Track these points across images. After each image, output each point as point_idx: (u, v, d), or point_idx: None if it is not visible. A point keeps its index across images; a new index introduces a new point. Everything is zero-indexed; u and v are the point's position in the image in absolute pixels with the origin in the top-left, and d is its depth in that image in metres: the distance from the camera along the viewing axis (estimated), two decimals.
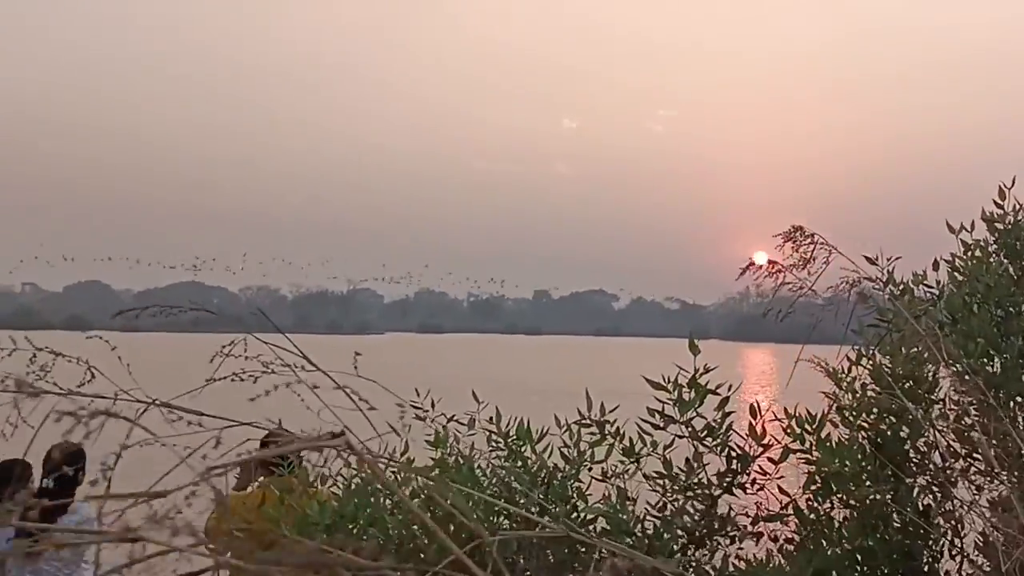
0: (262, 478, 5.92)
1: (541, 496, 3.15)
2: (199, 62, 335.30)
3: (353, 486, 3.31)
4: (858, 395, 3.42)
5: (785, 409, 3.31)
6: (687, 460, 3.29)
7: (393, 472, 2.66)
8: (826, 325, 3.58)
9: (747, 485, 3.25)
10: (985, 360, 3.55)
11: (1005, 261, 3.79)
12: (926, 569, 3.37)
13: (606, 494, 3.34)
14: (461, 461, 3.31)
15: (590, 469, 3.37)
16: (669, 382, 3.25)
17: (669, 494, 3.26)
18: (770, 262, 3.51)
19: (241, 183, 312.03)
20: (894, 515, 3.30)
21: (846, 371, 3.47)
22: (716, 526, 3.22)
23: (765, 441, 3.24)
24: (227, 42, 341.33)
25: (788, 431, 3.25)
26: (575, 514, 3.21)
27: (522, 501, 3.10)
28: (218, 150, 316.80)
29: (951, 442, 3.46)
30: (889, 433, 3.37)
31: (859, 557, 3.25)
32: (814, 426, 3.27)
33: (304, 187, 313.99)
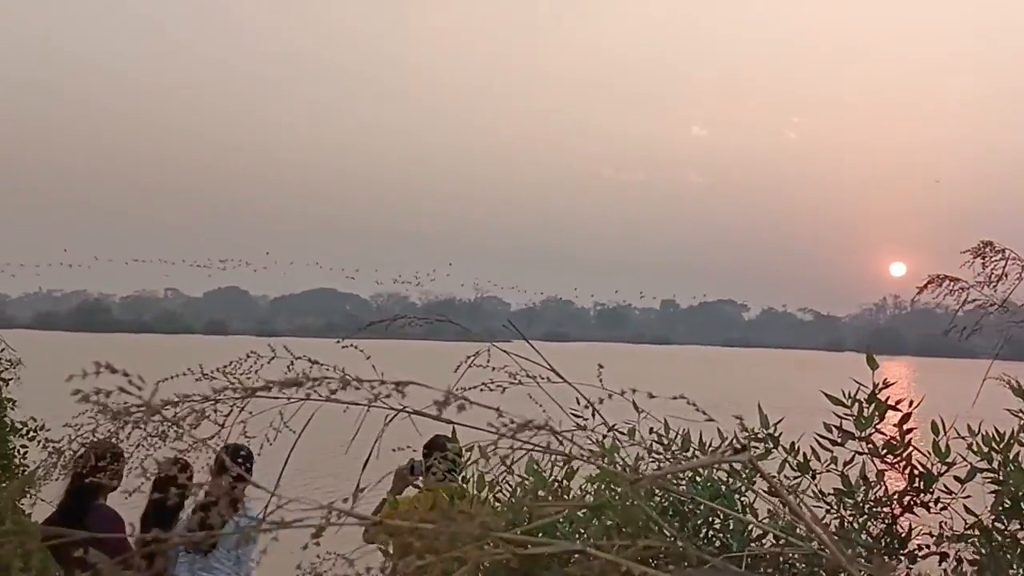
0: (414, 482, 6.05)
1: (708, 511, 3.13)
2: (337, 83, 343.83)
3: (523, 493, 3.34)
4: None
5: (969, 426, 3.21)
6: (863, 477, 3.22)
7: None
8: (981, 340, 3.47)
9: (930, 504, 3.16)
10: None
11: None
12: None
13: (772, 510, 3.29)
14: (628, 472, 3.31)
15: (753, 483, 3.32)
16: (848, 397, 3.19)
17: (847, 511, 3.19)
18: (950, 278, 3.41)
19: (372, 195, 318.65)
20: None
21: None
22: (897, 545, 3.14)
23: (949, 459, 3.14)
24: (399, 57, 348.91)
25: (974, 449, 3.15)
26: (745, 530, 3.18)
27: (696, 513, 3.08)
28: (350, 165, 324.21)
29: None
30: None
31: None
32: (1001, 445, 3.15)
33: (432, 195, 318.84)
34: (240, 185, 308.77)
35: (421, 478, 5.93)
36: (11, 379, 7.24)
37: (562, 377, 1.87)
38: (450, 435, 3.57)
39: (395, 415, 1.73)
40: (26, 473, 7.19)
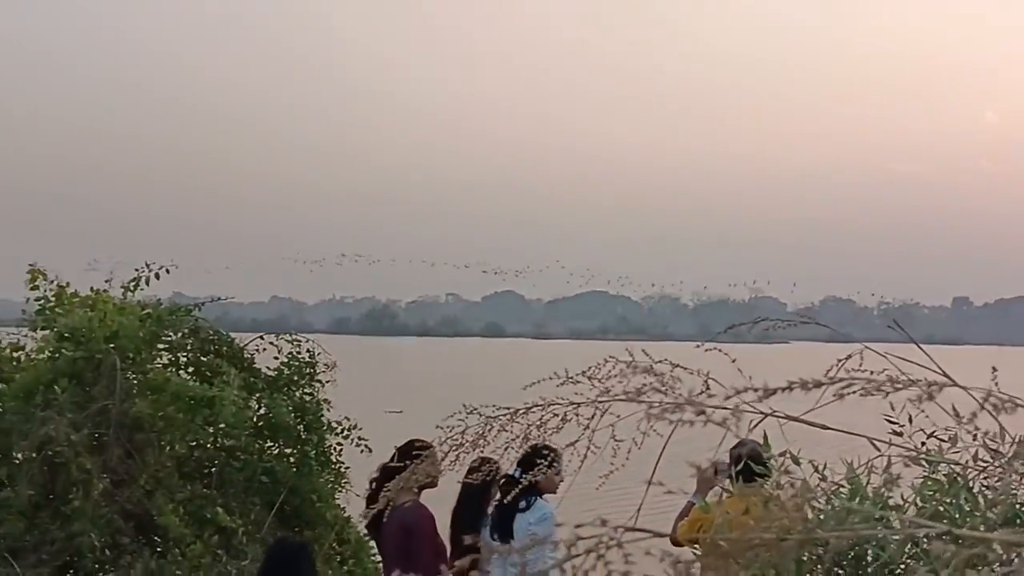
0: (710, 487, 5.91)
1: None
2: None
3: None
4: None
5: None
6: None
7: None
8: None
9: None
10: None
11: None
12: None
13: None
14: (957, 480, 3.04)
15: None
16: None
17: None
18: None
19: (638, 201, 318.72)
20: None
21: None
22: None
23: None
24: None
25: None
26: None
27: None
28: (619, 173, 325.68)
29: None
30: None
31: None
32: None
33: (700, 196, 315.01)
34: (513, 193, 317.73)
35: (727, 481, 5.76)
36: (327, 381, 7.68)
37: (953, 380, 1.69)
38: (762, 440, 3.43)
39: (762, 419, 1.63)
40: (343, 470, 7.62)
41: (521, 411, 1.84)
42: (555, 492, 6.38)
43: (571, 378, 1.98)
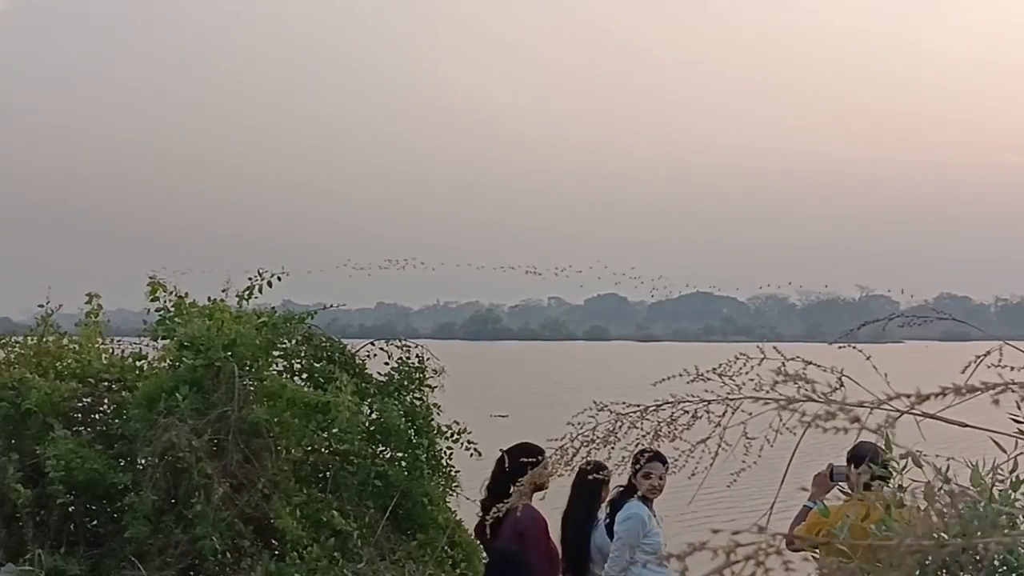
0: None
1: None
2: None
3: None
4: None
5: None
6: None
7: None
8: None
9: None
10: None
11: None
12: None
13: None
14: None
15: None
16: None
17: None
18: None
19: (739, 202, 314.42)
20: None
21: None
22: None
23: None
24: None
25: None
26: None
27: None
28: (715, 173, 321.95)
29: None
30: None
31: None
32: None
33: (803, 193, 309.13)
34: (613, 201, 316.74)
35: (845, 484, 5.65)
36: (436, 387, 7.76)
37: None
38: (880, 443, 3.35)
39: (898, 416, 1.59)
40: (453, 473, 7.69)
41: (651, 408, 1.86)
42: (651, 497, 6.33)
43: (701, 375, 1.97)
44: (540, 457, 5.96)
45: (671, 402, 1.77)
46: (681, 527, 9.20)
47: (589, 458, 2.64)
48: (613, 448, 2.27)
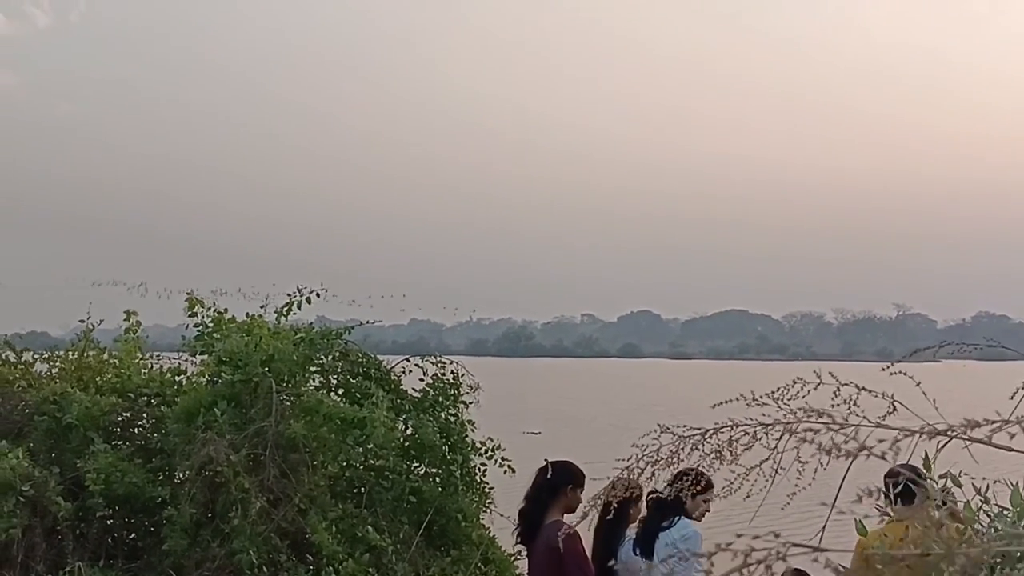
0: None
1: None
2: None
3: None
4: None
5: None
6: None
7: None
8: None
9: None
10: None
11: None
12: None
13: None
14: None
15: None
16: None
17: None
18: None
19: (777, 219, 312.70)
20: None
21: None
22: None
23: None
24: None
25: None
26: None
27: None
28: (762, 193, 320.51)
29: None
30: None
31: None
32: None
33: (849, 210, 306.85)
34: (647, 219, 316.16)
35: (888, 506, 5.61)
36: (471, 403, 7.79)
37: None
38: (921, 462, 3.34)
39: (948, 441, 1.60)
40: (487, 490, 7.70)
41: (711, 432, 1.93)
42: (699, 519, 6.33)
43: (756, 399, 2.00)
44: (577, 482, 6.02)
45: (730, 425, 1.82)
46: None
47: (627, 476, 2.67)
48: (676, 468, 2.33)
